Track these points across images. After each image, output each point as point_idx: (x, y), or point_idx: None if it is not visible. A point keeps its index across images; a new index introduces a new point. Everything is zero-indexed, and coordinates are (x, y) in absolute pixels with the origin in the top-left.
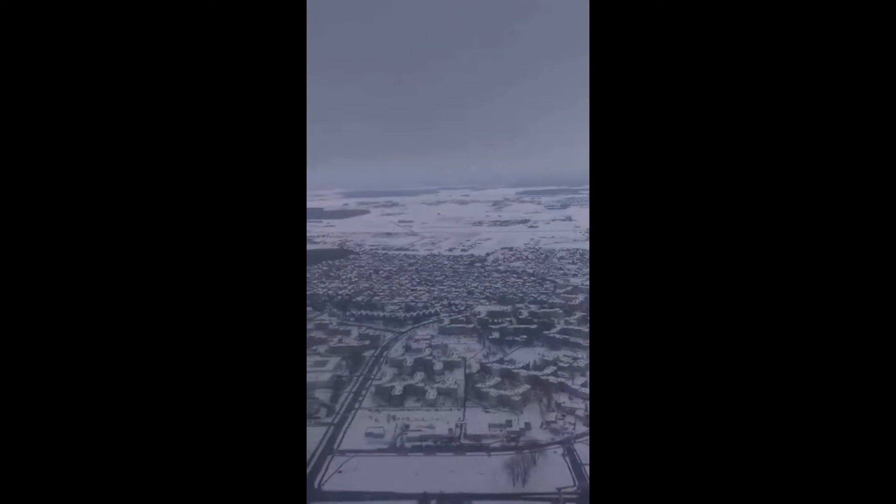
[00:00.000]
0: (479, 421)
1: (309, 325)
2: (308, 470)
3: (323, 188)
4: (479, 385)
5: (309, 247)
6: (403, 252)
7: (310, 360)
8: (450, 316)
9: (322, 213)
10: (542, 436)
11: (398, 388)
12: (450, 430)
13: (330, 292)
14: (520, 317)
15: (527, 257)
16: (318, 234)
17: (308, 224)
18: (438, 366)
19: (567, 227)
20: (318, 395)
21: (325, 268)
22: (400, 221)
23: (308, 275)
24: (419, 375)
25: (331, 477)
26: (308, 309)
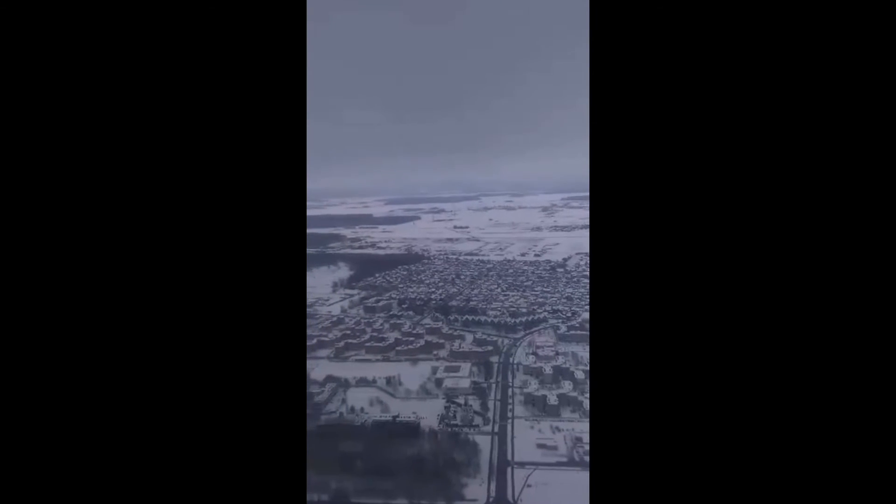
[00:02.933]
0: None
1: (420, 329)
2: (494, 482)
3: (365, 196)
4: None
5: (377, 252)
6: (475, 257)
7: (439, 363)
8: (562, 322)
9: (373, 220)
10: None
11: (552, 398)
12: None
13: (422, 296)
14: None
15: None
16: (381, 239)
17: (365, 230)
18: (580, 375)
19: None
20: (466, 401)
21: (405, 272)
22: (455, 227)
23: (391, 278)
24: (567, 384)
25: (522, 490)
26: (409, 312)
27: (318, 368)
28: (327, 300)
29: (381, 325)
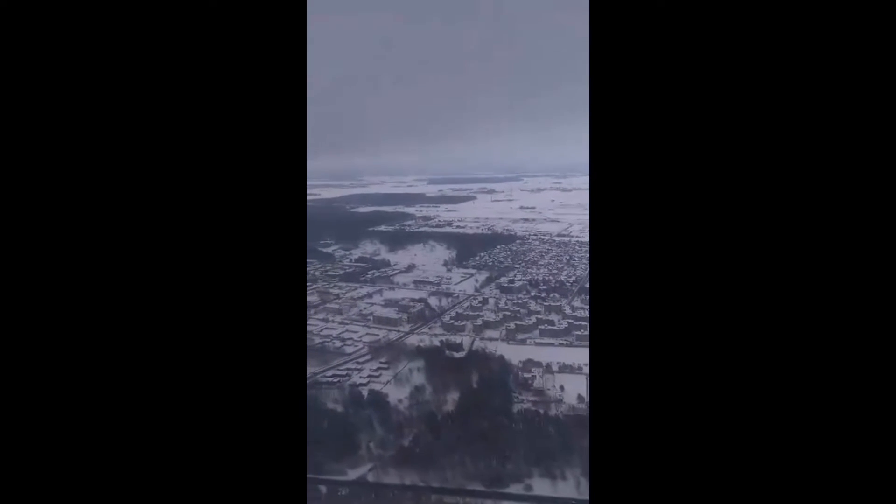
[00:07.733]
0: None
1: (580, 312)
2: None
3: (398, 175)
4: None
5: (461, 231)
6: (570, 238)
7: None
8: None
9: (428, 199)
10: None
11: None
12: None
13: (549, 277)
14: None
15: None
16: (453, 218)
17: (427, 209)
18: None
19: None
20: None
21: (507, 252)
22: (521, 207)
23: (497, 258)
24: None
25: None
26: (554, 295)
27: (502, 350)
28: (450, 279)
29: (536, 307)
